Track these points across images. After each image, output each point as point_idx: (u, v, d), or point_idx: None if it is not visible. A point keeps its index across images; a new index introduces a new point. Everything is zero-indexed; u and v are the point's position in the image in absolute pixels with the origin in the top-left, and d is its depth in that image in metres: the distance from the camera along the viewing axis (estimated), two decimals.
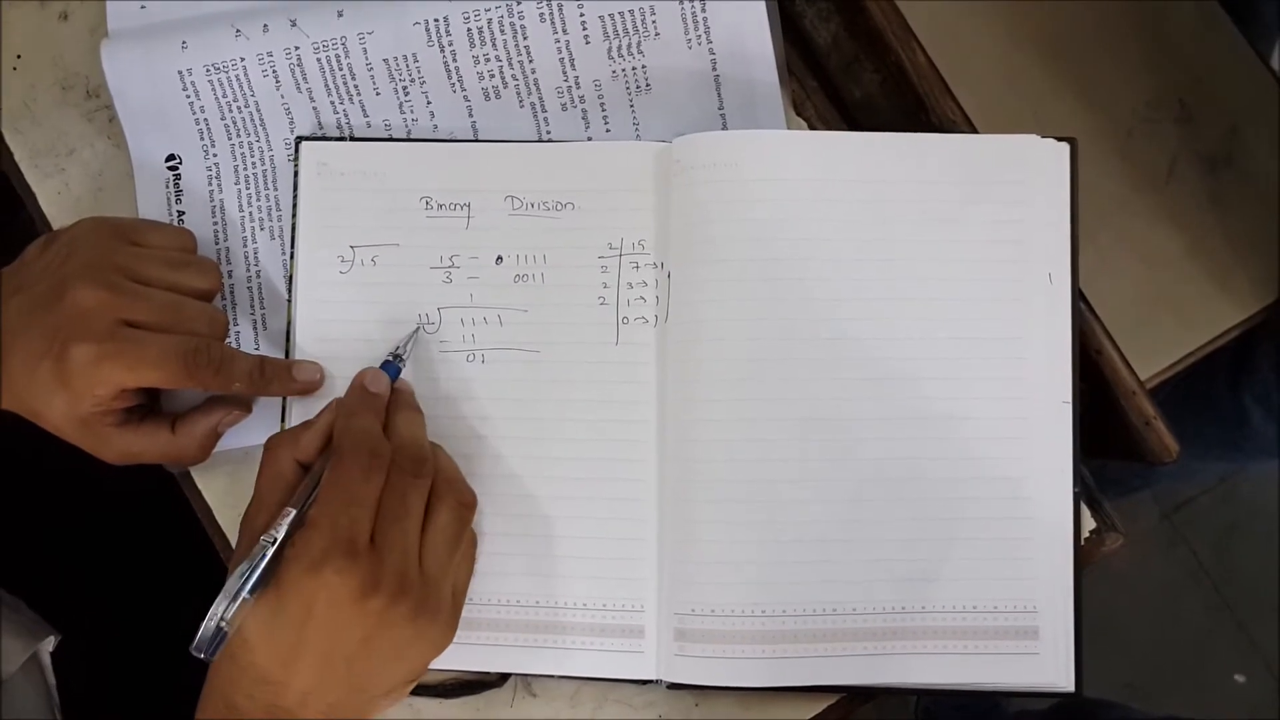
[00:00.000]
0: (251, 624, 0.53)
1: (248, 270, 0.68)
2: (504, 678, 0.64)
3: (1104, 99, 0.87)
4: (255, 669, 0.54)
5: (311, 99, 0.67)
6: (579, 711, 0.64)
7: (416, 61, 0.66)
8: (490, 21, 0.65)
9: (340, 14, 0.66)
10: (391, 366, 0.63)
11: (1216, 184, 0.87)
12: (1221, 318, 0.86)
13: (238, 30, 0.67)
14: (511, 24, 0.65)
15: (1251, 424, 0.94)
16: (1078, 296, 0.62)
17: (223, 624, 0.52)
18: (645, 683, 0.62)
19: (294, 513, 0.55)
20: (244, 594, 0.53)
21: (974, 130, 0.67)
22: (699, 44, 0.66)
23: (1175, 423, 0.66)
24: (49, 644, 0.74)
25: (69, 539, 0.83)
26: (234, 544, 0.66)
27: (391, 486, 0.56)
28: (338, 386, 0.65)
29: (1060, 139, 0.63)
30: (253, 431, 0.66)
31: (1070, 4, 0.87)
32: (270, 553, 0.54)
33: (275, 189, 0.68)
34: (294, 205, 0.67)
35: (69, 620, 0.76)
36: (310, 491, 0.56)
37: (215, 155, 0.69)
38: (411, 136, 0.68)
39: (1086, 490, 0.63)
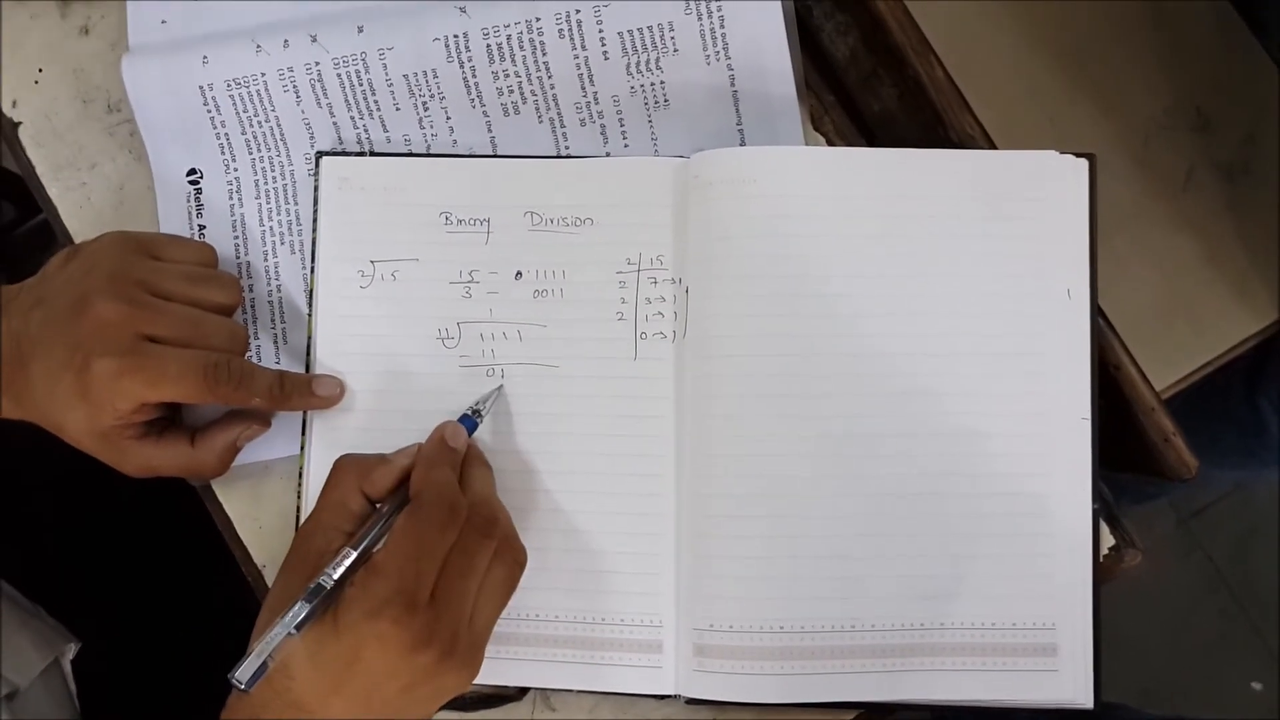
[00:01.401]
0: (297, 655, 0.53)
1: (268, 285, 0.69)
2: (523, 691, 0.64)
3: (1121, 107, 0.87)
4: (291, 695, 0.54)
5: (332, 114, 0.68)
6: None
7: (436, 77, 0.67)
8: (509, 37, 0.66)
9: (360, 30, 0.67)
10: (469, 421, 0.62)
11: (1234, 192, 0.86)
12: (1239, 326, 0.86)
13: (258, 45, 0.67)
14: (531, 40, 0.66)
15: (1269, 431, 0.94)
16: (1097, 312, 0.62)
17: (269, 660, 0.52)
18: (664, 697, 0.62)
19: (354, 555, 0.55)
20: (293, 631, 0.53)
21: (992, 144, 0.67)
22: (717, 60, 0.66)
23: (1191, 430, 0.66)
24: (70, 651, 0.74)
25: (90, 548, 0.84)
26: (255, 558, 0.67)
27: (462, 544, 0.56)
28: (358, 400, 0.65)
29: (1079, 154, 0.63)
30: (273, 445, 0.66)
31: (1087, 13, 0.87)
32: (326, 593, 0.54)
33: (296, 204, 0.69)
34: (314, 220, 0.67)
35: (90, 628, 0.77)
36: (374, 532, 0.56)
37: (236, 170, 0.69)
38: (431, 152, 0.68)
39: (1105, 507, 0.63)
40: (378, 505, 0.59)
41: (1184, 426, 0.66)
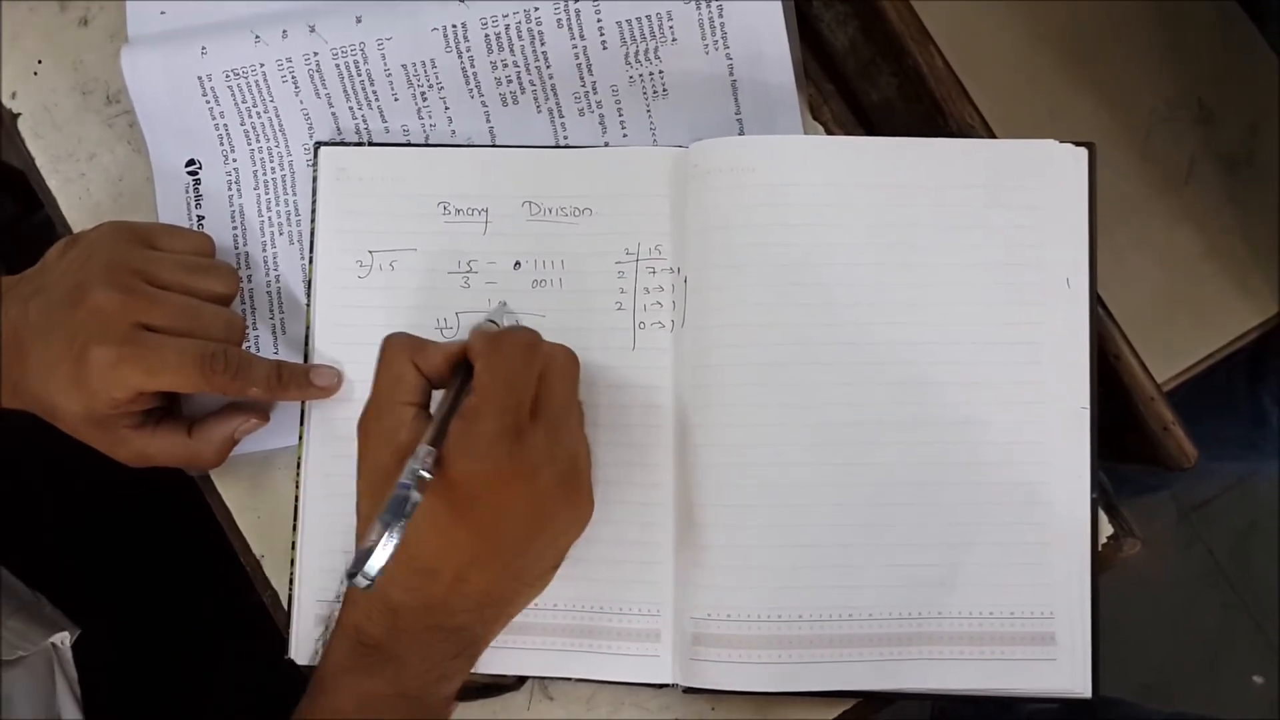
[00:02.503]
0: (416, 527, 0.51)
1: (266, 275, 0.69)
2: (521, 681, 0.64)
3: (1122, 99, 0.87)
4: (415, 561, 0.54)
5: (330, 104, 0.68)
6: (595, 714, 0.64)
7: (434, 67, 0.67)
8: (508, 27, 0.66)
9: (359, 20, 0.67)
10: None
11: (1236, 184, 0.86)
12: (1241, 319, 0.86)
13: (257, 36, 0.67)
14: (529, 29, 0.66)
15: (1270, 424, 0.94)
16: (1096, 301, 0.62)
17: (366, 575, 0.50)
18: (661, 686, 0.62)
19: (434, 452, 0.53)
20: (392, 536, 0.50)
21: (992, 134, 0.67)
22: (716, 49, 0.66)
23: (1193, 423, 0.66)
24: (70, 639, 0.75)
25: (90, 536, 0.84)
26: (254, 549, 0.67)
27: (559, 363, 0.57)
28: (356, 390, 0.65)
29: (1079, 144, 0.63)
30: (271, 436, 0.66)
31: (1088, 5, 0.87)
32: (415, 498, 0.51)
33: (294, 194, 0.69)
34: (313, 210, 0.67)
35: (90, 616, 0.77)
36: (447, 409, 0.55)
37: (235, 160, 0.69)
38: (429, 142, 0.68)
39: (1104, 496, 0.63)
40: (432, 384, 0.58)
41: (1185, 419, 0.66)
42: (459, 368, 0.57)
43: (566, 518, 0.57)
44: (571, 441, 0.57)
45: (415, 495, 0.51)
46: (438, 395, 0.58)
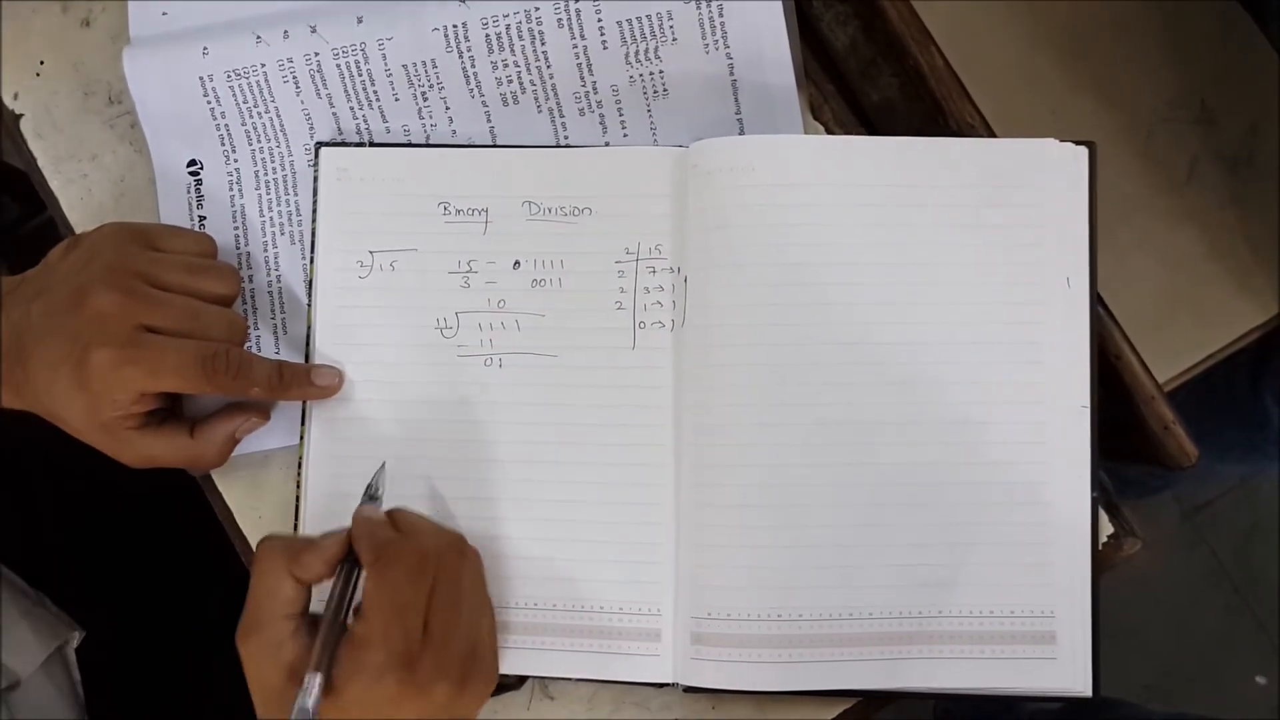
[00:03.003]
0: None
1: (268, 275, 0.69)
2: (521, 680, 0.64)
3: (1124, 99, 0.87)
4: None
5: (331, 105, 0.68)
6: (596, 714, 0.64)
7: (435, 67, 0.67)
8: (509, 27, 0.66)
9: (360, 20, 0.67)
10: (373, 504, 0.61)
11: (1237, 184, 0.86)
12: (1242, 318, 0.86)
13: (258, 36, 0.67)
14: (530, 30, 0.66)
15: (1272, 425, 0.94)
16: (1096, 301, 0.62)
17: None
18: (662, 686, 0.62)
19: (319, 679, 0.52)
20: None
21: (992, 133, 0.67)
22: (716, 49, 0.66)
23: (1195, 424, 0.66)
24: (74, 640, 0.75)
25: (93, 537, 0.84)
26: (253, 547, 0.67)
27: (446, 574, 0.56)
28: (357, 390, 0.65)
29: (1079, 143, 0.63)
30: (272, 435, 0.66)
31: (1090, 5, 0.87)
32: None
33: (295, 194, 0.69)
34: (314, 210, 0.67)
35: (93, 617, 0.77)
36: (332, 625, 0.55)
37: (236, 161, 0.69)
38: (430, 142, 0.68)
39: (1105, 495, 0.63)
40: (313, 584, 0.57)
41: (1187, 420, 0.66)
42: (343, 562, 0.56)
43: (467, 706, 0.56)
44: (466, 642, 0.56)
45: None
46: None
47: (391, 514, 0.59)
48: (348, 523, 0.59)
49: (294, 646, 0.54)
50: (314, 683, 0.52)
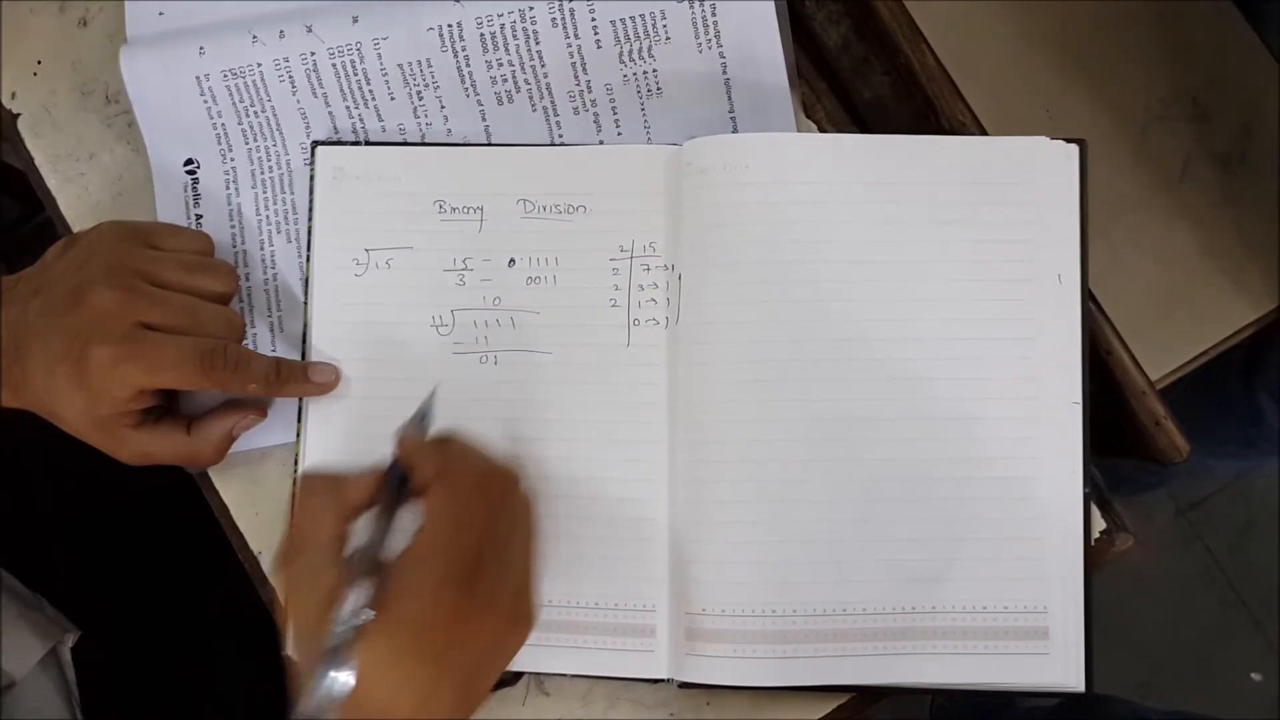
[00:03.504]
0: (373, 676, 0.49)
1: (265, 273, 0.69)
2: (517, 676, 0.64)
3: (1117, 97, 0.87)
4: (366, 707, 0.49)
5: (327, 104, 0.68)
6: (591, 710, 0.64)
7: (430, 66, 0.67)
8: (503, 26, 0.66)
9: (355, 20, 0.67)
10: (419, 427, 0.59)
11: (1231, 182, 0.87)
12: (1235, 316, 0.86)
13: (254, 36, 0.67)
14: (524, 29, 0.66)
15: (1266, 421, 0.94)
16: (1087, 297, 0.62)
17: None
18: (657, 682, 0.62)
19: (370, 593, 0.50)
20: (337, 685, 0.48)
21: (984, 132, 0.67)
22: (709, 48, 0.66)
23: (1188, 421, 0.66)
24: (69, 641, 0.75)
25: (89, 537, 0.84)
26: (252, 545, 0.67)
27: (505, 503, 0.55)
28: (353, 387, 0.66)
29: (1070, 140, 0.63)
30: (269, 432, 0.67)
31: (1083, 3, 0.87)
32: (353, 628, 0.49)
33: (291, 193, 0.69)
34: (310, 209, 0.67)
35: (89, 617, 0.77)
36: (378, 538, 0.53)
37: (232, 160, 0.70)
38: (425, 141, 0.69)
39: (1097, 491, 0.63)
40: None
41: (1181, 417, 0.66)
42: (390, 482, 0.55)
43: (513, 642, 0.55)
44: (520, 576, 0.55)
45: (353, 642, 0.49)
46: None
47: (444, 437, 0.57)
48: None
49: (337, 571, 0.51)
50: (361, 593, 0.50)
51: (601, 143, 0.68)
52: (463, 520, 0.53)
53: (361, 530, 0.54)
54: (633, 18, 0.66)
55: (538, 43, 0.66)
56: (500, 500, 0.55)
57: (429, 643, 0.50)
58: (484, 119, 0.68)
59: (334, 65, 0.67)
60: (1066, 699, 0.62)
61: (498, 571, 0.53)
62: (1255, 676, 1.50)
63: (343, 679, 0.48)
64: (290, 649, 0.53)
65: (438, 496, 0.53)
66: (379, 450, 0.64)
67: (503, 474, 0.56)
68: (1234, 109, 0.87)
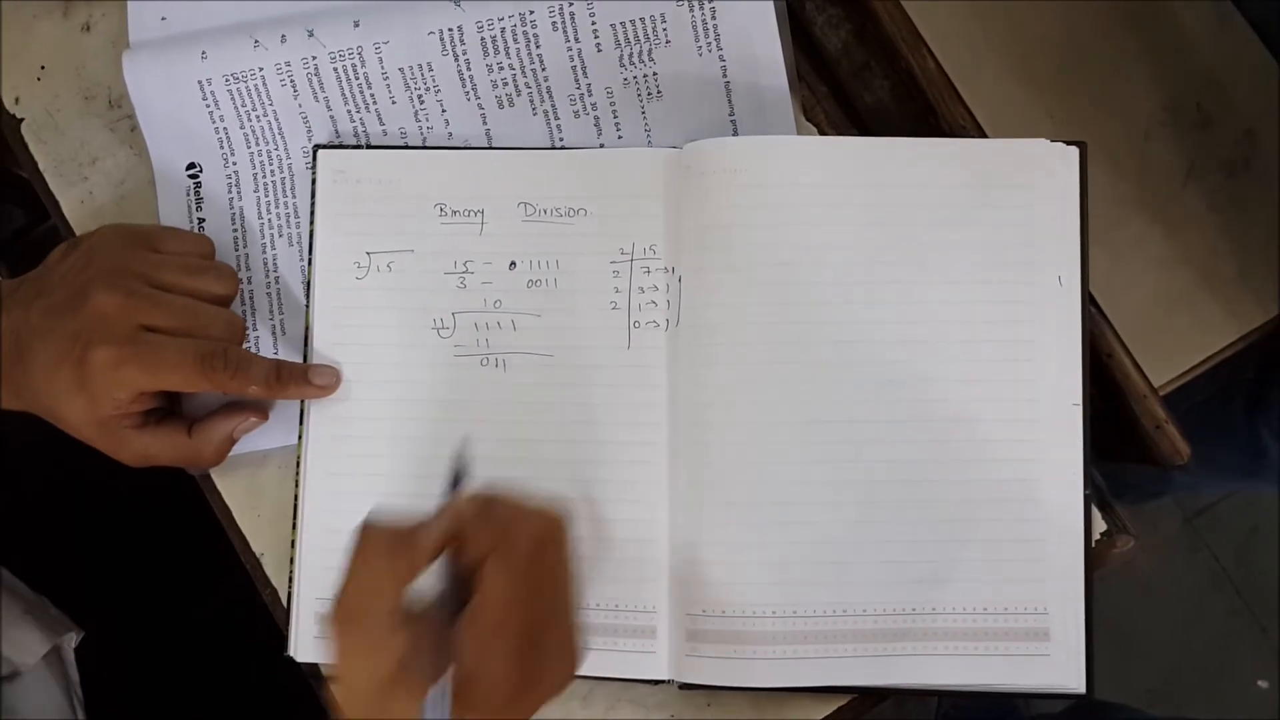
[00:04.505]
0: None
1: (266, 276, 0.69)
2: None
3: (1120, 104, 0.87)
4: None
5: (329, 108, 0.69)
6: (592, 711, 0.64)
7: (431, 70, 0.67)
8: (504, 30, 0.66)
9: (357, 24, 0.67)
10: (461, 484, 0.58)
11: (1234, 188, 0.86)
12: (1240, 322, 0.86)
13: (256, 41, 0.68)
14: (524, 33, 0.66)
15: (1268, 457, 0.93)
16: (1088, 299, 0.62)
17: None
18: (657, 683, 0.62)
19: (450, 676, 0.49)
20: None
21: (984, 135, 0.67)
22: (709, 51, 0.66)
23: (1191, 448, 0.66)
24: (72, 640, 0.75)
25: (93, 538, 0.84)
26: (254, 547, 0.67)
27: (559, 555, 0.55)
28: (354, 390, 0.66)
29: (1069, 143, 0.63)
30: (270, 435, 0.67)
31: (1086, 9, 0.87)
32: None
33: (293, 196, 0.70)
34: (311, 212, 0.68)
35: (92, 617, 0.77)
36: (450, 602, 0.52)
37: (235, 163, 0.70)
38: (426, 144, 0.69)
39: (1098, 492, 0.63)
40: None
41: (1179, 422, 0.66)
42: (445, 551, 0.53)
43: (568, 682, 0.54)
44: (573, 616, 0.55)
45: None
46: None
47: (490, 499, 0.55)
48: (344, 525, 0.59)
49: (401, 639, 0.50)
50: (447, 683, 0.49)
51: (602, 146, 0.68)
52: (522, 593, 0.52)
53: (418, 594, 0.52)
54: (633, 21, 0.66)
55: (538, 46, 0.67)
56: (555, 560, 0.54)
57: (486, 704, 0.50)
58: (485, 122, 0.68)
59: (335, 69, 0.68)
60: (1071, 706, 0.62)
61: (556, 630, 0.53)
62: (1262, 684, 1.49)
63: None
64: (342, 713, 0.52)
65: (497, 572, 0.52)
66: (379, 450, 0.65)
67: (552, 531, 0.55)
68: (1238, 115, 0.87)
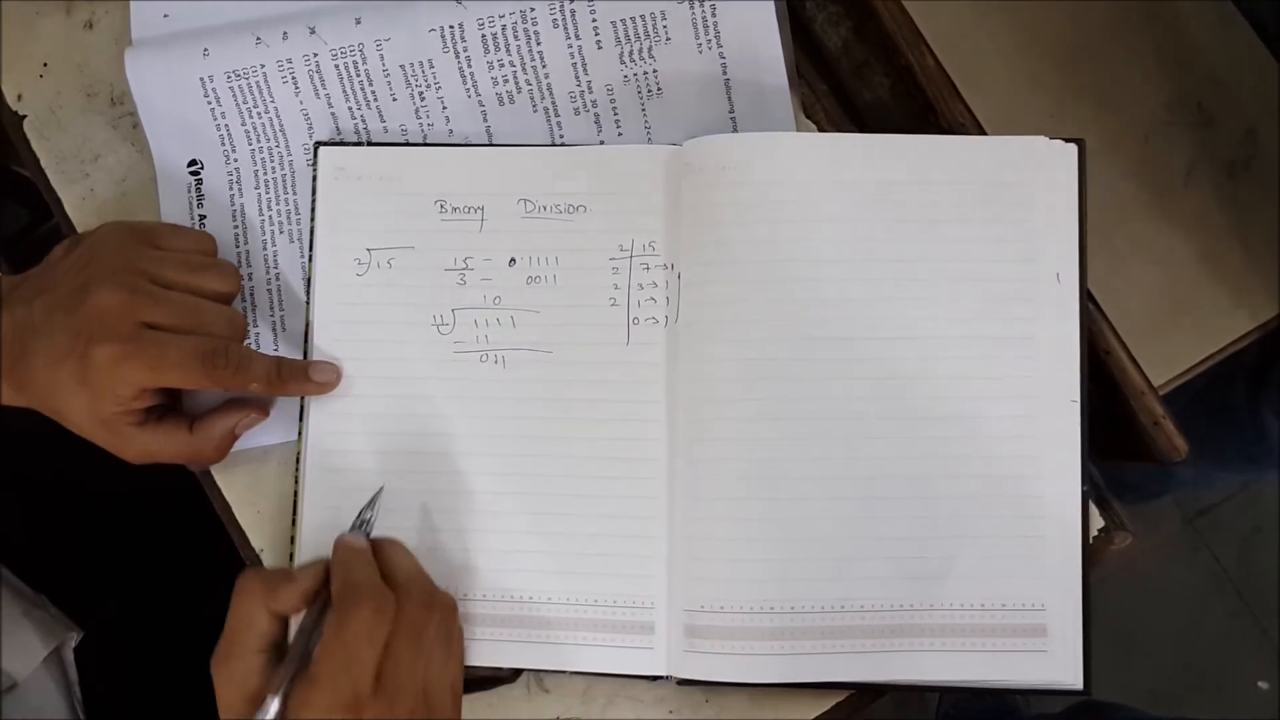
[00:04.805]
0: None
1: (267, 273, 0.69)
2: (517, 673, 0.64)
3: (1121, 103, 0.87)
4: None
5: (330, 105, 0.69)
6: (591, 707, 0.64)
7: (432, 67, 0.68)
8: (504, 28, 0.67)
9: (358, 21, 0.68)
10: (359, 533, 0.61)
11: (1235, 188, 0.86)
12: (1240, 322, 0.86)
13: (258, 38, 0.68)
14: (525, 30, 0.67)
15: (1270, 439, 0.94)
16: (1086, 296, 0.63)
17: None
18: (656, 679, 0.63)
19: (274, 705, 0.53)
20: None
21: (983, 133, 0.67)
22: (709, 48, 0.66)
23: (1192, 435, 0.66)
24: (72, 641, 0.75)
25: (92, 537, 0.84)
26: (254, 543, 0.67)
27: (407, 626, 0.55)
28: (354, 386, 0.66)
29: (1068, 140, 0.63)
30: (271, 431, 0.67)
31: (1088, 8, 0.87)
32: None
33: (294, 193, 0.70)
34: (312, 209, 0.68)
35: (92, 617, 0.77)
36: (304, 644, 0.55)
37: (236, 160, 0.70)
38: (427, 141, 0.69)
39: (1095, 489, 0.63)
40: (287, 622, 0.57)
41: (1185, 432, 0.66)
42: (318, 594, 0.57)
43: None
44: (419, 698, 0.55)
45: None
46: None
47: (376, 546, 0.59)
48: (343, 521, 0.60)
49: (261, 679, 0.55)
50: (269, 709, 0.53)
51: (602, 143, 0.68)
52: (353, 651, 0.53)
53: (297, 629, 0.56)
54: (633, 18, 0.66)
55: (539, 43, 0.67)
56: (402, 625, 0.55)
57: None
58: (485, 119, 0.69)
59: (337, 66, 0.68)
60: (1071, 705, 0.62)
61: (392, 698, 0.54)
62: (1263, 685, 1.49)
63: None
64: None
65: (335, 625, 0.54)
66: (379, 446, 0.65)
67: (412, 596, 0.56)
68: (1239, 115, 0.87)
